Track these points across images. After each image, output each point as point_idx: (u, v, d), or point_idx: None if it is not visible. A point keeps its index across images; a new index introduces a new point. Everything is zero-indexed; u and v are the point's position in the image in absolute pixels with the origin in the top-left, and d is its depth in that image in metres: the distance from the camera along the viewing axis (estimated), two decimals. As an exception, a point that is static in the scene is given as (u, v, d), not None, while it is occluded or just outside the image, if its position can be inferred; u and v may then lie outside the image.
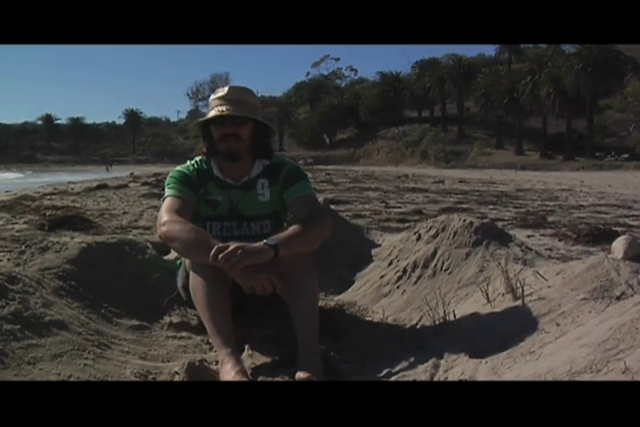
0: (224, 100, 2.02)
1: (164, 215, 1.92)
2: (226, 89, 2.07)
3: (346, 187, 13.87)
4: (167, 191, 2.03)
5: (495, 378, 1.49)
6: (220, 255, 1.69)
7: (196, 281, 1.86)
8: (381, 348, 2.01)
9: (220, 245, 1.72)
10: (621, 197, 10.58)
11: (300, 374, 1.68)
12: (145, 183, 13.76)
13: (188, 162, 2.16)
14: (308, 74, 76.84)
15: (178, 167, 2.13)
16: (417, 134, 52.27)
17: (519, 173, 28.20)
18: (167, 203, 1.98)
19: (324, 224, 1.97)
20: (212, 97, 2.08)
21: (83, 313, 2.09)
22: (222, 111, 1.98)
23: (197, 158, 2.15)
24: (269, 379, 1.75)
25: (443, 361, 1.73)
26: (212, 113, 2.01)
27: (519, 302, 1.92)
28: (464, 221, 2.67)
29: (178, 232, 1.84)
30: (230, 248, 1.70)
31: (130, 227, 5.24)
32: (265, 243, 1.77)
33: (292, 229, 1.88)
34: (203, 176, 2.10)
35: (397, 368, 1.79)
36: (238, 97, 2.04)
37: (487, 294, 2.06)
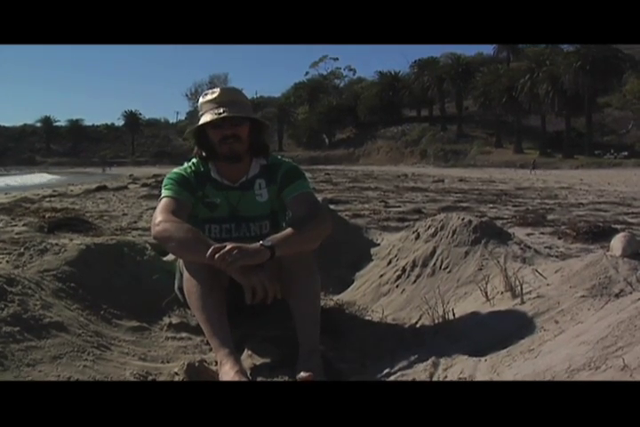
0: (217, 102, 2.00)
1: (158, 216, 1.91)
2: (217, 91, 2.05)
3: (345, 187, 13.89)
4: (164, 192, 2.03)
5: (494, 376, 1.49)
6: (217, 255, 1.69)
7: (190, 283, 1.86)
8: (381, 347, 2.01)
9: (217, 245, 1.72)
10: (621, 195, 10.59)
11: (301, 374, 1.68)
12: (144, 185, 13.79)
13: (186, 164, 2.15)
14: (306, 74, 76.90)
15: (175, 169, 2.13)
16: (416, 134, 52.29)
17: (518, 172, 28.19)
18: (162, 204, 1.98)
19: (322, 223, 1.95)
20: (203, 100, 2.05)
21: (82, 315, 2.09)
22: (220, 113, 1.96)
23: (194, 160, 2.14)
24: (269, 379, 1.75)
25: (442, 360, 1.72)
26: (209, 116, 1.99)
27: (518, 301, 1.92)
28: (463, 219, 2.67)
29: (172, 232, 1.83)
30: (227, 248, 1.70)
31: (129, 228, 5.24)
32: (261, 244, 1.77)
33: (289, 229, 1.87)
34: (200, 178, 2.09)
35: (397, 367, 1.79)
36: (230, 98, 2.03)
37: (486, 293, 2.06)
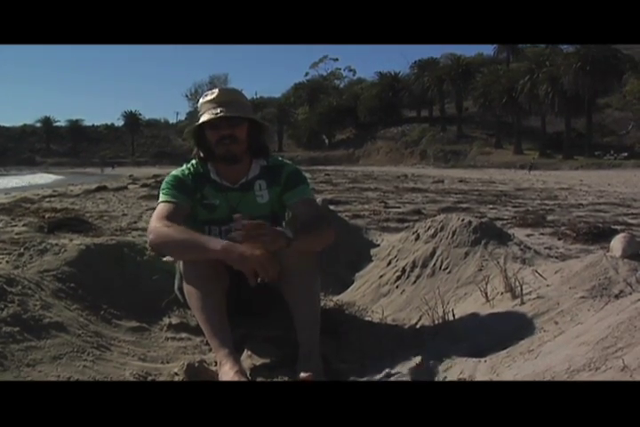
0: (215, 102, 2.00)
1: (152, 223, 1.92)
2: (215, 91, 2.05)
3: (345, 187, 13.89)
4: (160, 197, 2.03)
5: (494, 377, 1.49)
6: (245, 226, 1.69)
7: (190, 283, 1.86)
8: (381, 348, 2.01)
9: (253, 222, 1.72)
10: (620, 196, 10.59)
11: (301, 375, 1.68)
12: (144, 185, 13.78)
13: (185, 165, 2.15)
14: (306, 74, 76.95)
15: (173, 172, 2.12)
16: (416, 134, 52.28)
17: (518, 173, 28.19)
18: (158, 210, 1.99)
19: (330, 230, 1.99)
20: (202, 101, 2.06)
21: (82, 315, 2.09)
22: (217, 113, 1.97)
23: (193, 161, 2.13)
24: (269, 379, 1.75)
25: (442, 360, 1.73)
26: (207, 116, 1.99)
27: (518, 301, 1.92)
28: (463, 220, 2.67)
29: (167, 236, 1.84)
30: (263, 228, 1.71)
31: (129, 229, 5.24)
32: (284, 232, 1.78)
33: (306, 226, 1.90)
34: (199, 180, 2.09)
35: (397, 368, 1.79)
36: (229, 98, 2.03)
37: (486, 294, 2.06)
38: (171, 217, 1.93)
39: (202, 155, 2.10)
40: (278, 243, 1.75)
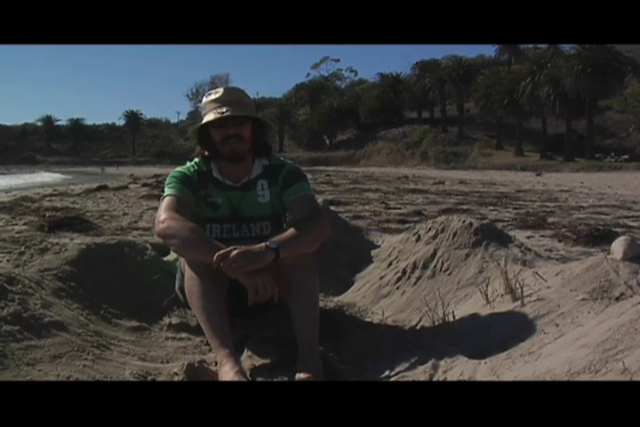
0: (220, 102, 2.01)
1: (162, 213, 1.92)
2: (220, 91, 2.06)
3: (346, 188, 13.88)
4: (167, 190, 2.03)
5: (494, 379, 1.49)
6: (222, 264, 1.70)
7: (191, 283, 1.86)
8: (381, 349, 2.01)
9: (222, 251, 1.72)
10: (621, 198, 10.58)
11: (300, 375, 1.68)
12: (145, 184, 13.78)
13: (188, 163, 2.16)
14: (308, 75, 77.11)
15: (178, 168, 2.13)
16: (417, 135, 52.23)
17: (519, 174, 28.18)
18: (166, 201, 1.98)
19: (322, 225, 1.97)
20: (206, 100, 2.06)
21: (82, 314, 2.09)
22: (223, 113, 1.97)
23: (197, 160, 2.14)
24: (268, 380, 1.75)
25: (442, 362, 1.73)
26: (212, 115, 1.99)
27: (518, 303, 1.92)
28: (463, 221, 2.67)
29: (176, 230, 1.84)
30: (233, 254, 1.70)
31: (129, 228, 5.24)
32: (266, 245, 1.77)
33: (292, 230, 1.88)
34: (203, 178, 2.10)
35: (397, 369, 1.79)
36: (234, 97, 2.04)
37: (486, 295, 2.06)
38: (180, 210, 1.93)
39: (206, 154, 2.10)
40: (265, 259, 1.76)
